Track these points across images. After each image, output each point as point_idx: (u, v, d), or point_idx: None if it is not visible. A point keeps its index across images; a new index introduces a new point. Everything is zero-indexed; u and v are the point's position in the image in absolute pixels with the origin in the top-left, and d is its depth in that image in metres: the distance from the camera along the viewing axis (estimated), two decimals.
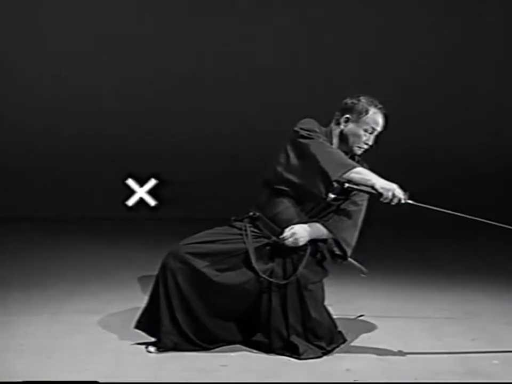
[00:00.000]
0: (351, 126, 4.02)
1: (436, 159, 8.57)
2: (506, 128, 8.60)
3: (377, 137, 4.06)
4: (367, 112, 4.01)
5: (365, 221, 4.07)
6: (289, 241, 3.90)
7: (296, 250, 3.92)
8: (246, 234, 3.94)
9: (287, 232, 3.91)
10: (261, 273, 3.86)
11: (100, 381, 3.38)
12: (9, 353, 3.79)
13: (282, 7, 8.51)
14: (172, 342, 3.84)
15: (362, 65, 8.45)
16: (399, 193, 3.75)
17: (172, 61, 8.51)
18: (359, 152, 4.06)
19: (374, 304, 4.88)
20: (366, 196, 3.96)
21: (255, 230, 3.98)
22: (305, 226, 3.94)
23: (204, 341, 3.88)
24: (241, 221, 4.04)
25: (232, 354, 3.85)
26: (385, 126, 4.06)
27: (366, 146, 4.05)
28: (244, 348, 3.91)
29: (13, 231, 7.48)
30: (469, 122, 8.55)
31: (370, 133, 4.02)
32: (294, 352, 3.82)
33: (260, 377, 3.55)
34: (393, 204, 3.76)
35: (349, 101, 4.07)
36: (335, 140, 4.05)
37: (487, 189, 8.39)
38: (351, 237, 4.01)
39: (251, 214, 4.03)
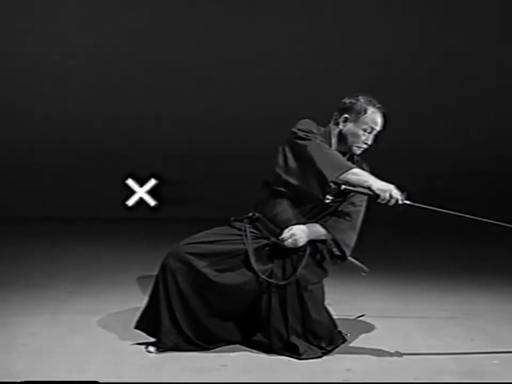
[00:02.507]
0: (349, 125, 4.02)
1: (435, 158, 8.57)
2: (506, 128, 8.60)
3: (377, 137, 4.07)
4: (365, 111, 4.00)
5: (365, 220, 4.07)
6: (288, 242, 3.90)
7: (296, 251, 3.92)
8: (246, 235, 3.95)
9: (286, 233, 3.91)
10: (260, 274, 3.86)
11: (100, 381, 3.39)
12: (9, 353, 3.79)
13: (282, 7, 8.53)
14: (172, 342, 3.84)
15: (362, 65, 8.45)
16: (396, 194, 3.74)
17: (172, 61, 8.52)
18: (358, 152, 4.05)
19: (374, 304, 4.88)
20: (365, 196, 3.95)
21: (255, 231, 3.98)
22: (303, 227, 3.93)
23: (203, 341, 3.88)
24: (240, 221, 4.04)
25: (232, 354, 3.85)
26: (384, 126, 4.06)
27: (365, 146, 4.04)
28: (244, 348, 3.91)
29: (13, 231, 7.48)
30: (469, 122, 8.56)
31: (369, 133, 4.02)
32: (294, 352, 3.82)
33: (260, 377, 3.56)
34: (390, 205, 3.75)
35: (347, 100, 4.06)
36: (334, 140, 4.05)
37: (487, 189, 8.39)
38: (350, 237, 4.01)
39: (250, 214, 4.03)
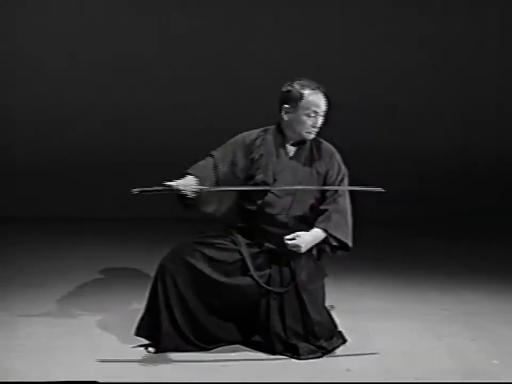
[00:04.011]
0: (291, 114, 3.97)
1: (434, 158, 8.56)
2: (506, 128, 8.60)
3: (326, 117, 3.96)
4: (301, 96, 3.93)
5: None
6: (290, 248, 3.86)
7: (292, 253, 3.88)
8: (240, 243, 3.93)
9: (291, 241, 3.84)
10: (261, 282, 3.84)
11: (100, 381, 3.39)
12: (9, 353, 3.79)
13: (281, 7, 8.54)
14: (172, 343, 3.82)
15: (362, 65, 8.44)
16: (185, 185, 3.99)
17: (172, 61, 8.52)
18: (310, 136, 3.99)
19: (374, 304, 4.88)
20: (344, 180, 3.95)
21: (248, 241, 3.96)
22: (309, 238, 3.87)
23: (203, 341, 3.88)
24: (233, 228, 4.02)
25: (232, 354, 3.85)
26: (328, 105, 3.94)
27: (315, 130, 3.98)
28: (244, 348, 3.92)
29: (13, 231, 7.48)
30: (469, 122, 8.56)
31: (314, 116, 3.95)
32: (294, 352, 3.82)
33: (260, 377, 3.56)
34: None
35: (283, 89, 4.01)
36: (287, 131, 4.01)
37: (487, 189, 8.39)
38: (346, 226, 3.94)
39: (239, 225, 4.02)
